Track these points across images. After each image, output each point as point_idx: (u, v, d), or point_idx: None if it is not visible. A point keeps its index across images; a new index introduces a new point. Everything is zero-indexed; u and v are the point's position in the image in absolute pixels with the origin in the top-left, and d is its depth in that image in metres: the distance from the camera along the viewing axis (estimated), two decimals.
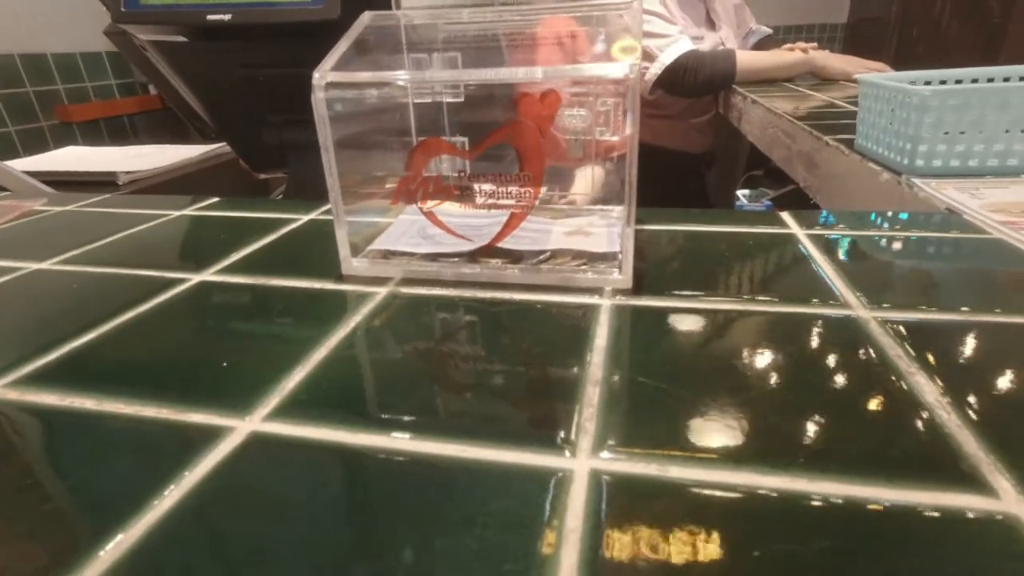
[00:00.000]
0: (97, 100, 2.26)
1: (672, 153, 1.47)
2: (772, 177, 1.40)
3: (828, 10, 3.71)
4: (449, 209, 0.34)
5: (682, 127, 1.48)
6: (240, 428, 0.22)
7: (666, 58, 1.25)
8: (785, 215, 0.42)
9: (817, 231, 0.39)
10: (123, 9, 0.56)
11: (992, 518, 0.16)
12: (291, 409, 0.23)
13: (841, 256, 0.35)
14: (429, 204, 0.32)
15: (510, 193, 0.30)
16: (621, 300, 0.30)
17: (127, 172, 0.80)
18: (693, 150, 1.52)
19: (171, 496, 0.18)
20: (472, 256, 0.33)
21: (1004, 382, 0.23)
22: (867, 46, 3.48)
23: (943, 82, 0.59)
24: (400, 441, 0.21)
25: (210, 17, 0.51)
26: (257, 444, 0.21)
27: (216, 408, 0.23)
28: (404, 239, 0.36)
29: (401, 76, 0.30)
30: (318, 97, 0.30)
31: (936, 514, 0.17)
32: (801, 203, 0.87)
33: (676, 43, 1.25)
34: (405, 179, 0.31)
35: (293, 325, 0.30)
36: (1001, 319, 0.27)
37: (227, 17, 0.50)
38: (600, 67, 0.28)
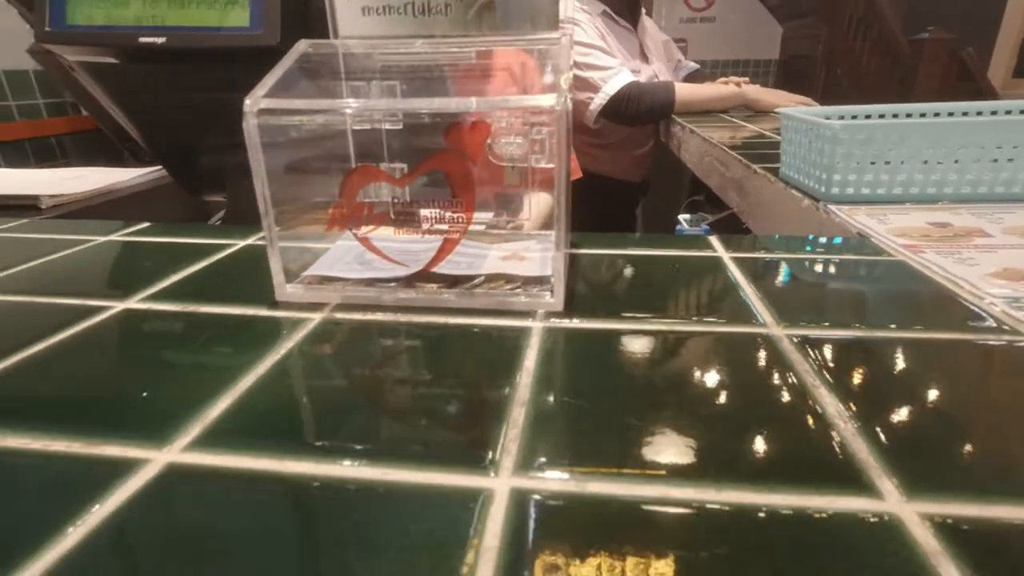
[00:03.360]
0: (23, 120, 2.14)
1: (612, 181, 1.53)
2: (711, 202, 1.47)
3: (763, 47, 3.95)
4: (386, 235, 0.34)
5: (623, 157, 1.54)
6: (157, 459, 0.21)
7: (610, 88, 1.30)
8: (713, 239, 0.45)
9: (741, 254, 0.41)
10: (48, 28, 0.54)
11: (877, 518, 0.18)
12: (213, 438, 0.22)
13: (761, 278, 0.37)
14: (364, 230, 0.32)
15: (444, 219, 0.31)
16: (553, 323, 0.31)
17: (52, 196, 0.76)
18: (631, 179, 1.59)
19: (74, 534, 0.18)
20: (408, 281, 0.34)
21: (895, 393, 0.25)
22: (798, 81, 3.73)
23: (854, 117, 0.64)
24: (323, 467, 0.21)
25: (142, 40, 0.50)
26: (174, 475, 0.20)
27: (132, 439, 0.22)
28: (340, 265, 0.36)
29: (333, 104, 0.30)
30: (250, 124, 0.30)
31: (827, 516, 0.18)
32: (737, 227, 0.91)
33: (618, 74, 1.31)
34: (338, 206, 0.31)
35: (221, 353, 0.29)
36: (897, 335, 0.29)
37: (160, 40, 0.49)
38: (529, 98, 0.29)
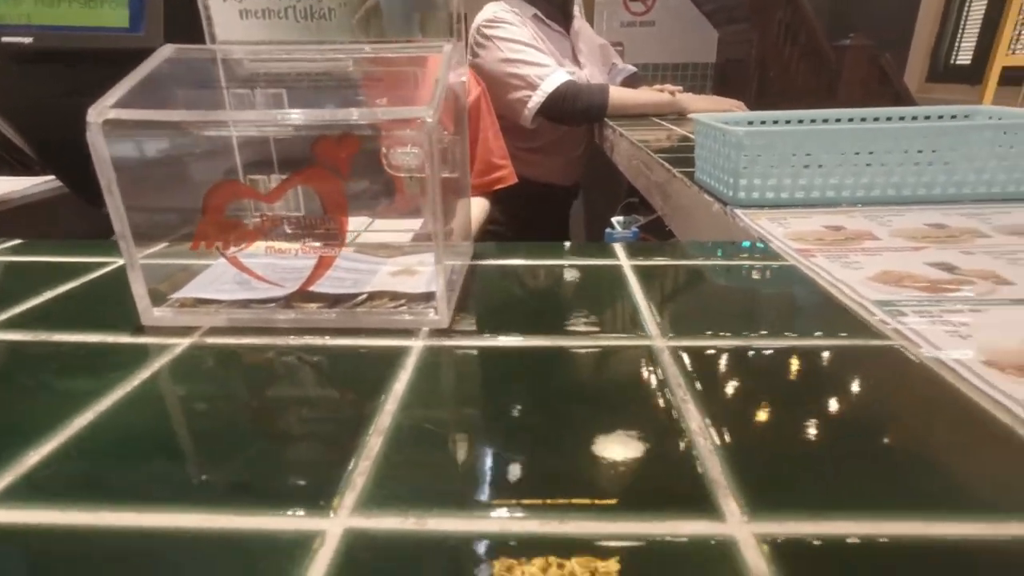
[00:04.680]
0: None
1: (545, 186, 1.53)
2: (646, 205, 1.49)
3: (701, 51, 4.06)
4: (263, 253, 0.32)
5: (556, 160, 1.55)
6: None
7: (547, 86, 1.29)
8: (618, 247, 0.45)
9: (641, 262, 0.41)
10: None
11: (715, 542, 0.17)
12: (25, 490, 0.20)
13: (658, 287, 0.37)
14: (234, 249, 0.30)
15: (315, 236, 0.29)
16: (434, 341, 0.30)
17: None
18: (565, 183, 1.60)
19: None
20: (287, 301, 0.32)
21: (759, 405, 0.25)
22: (733, 84, 3.86)
23: (775, 122, 0.66)
24: (143, 516, 0.19)
25: (6, 40, 0.45)
26: None
27: None
28: (216, 285, 0.34)
29: (186, 116, 0.28)
30: (94, 135, 0.27)
31: (671, 542, 0.17)
32: (664, 230, 0.93)
33: (555, 72, 1.31)
34: (202, 223, 0.29)
35: (64, 388, 0.27)
36: (774, 343, 0.30)
37: (27, 41, 0.45)
38: (401, 110, 0.28)
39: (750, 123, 0.65)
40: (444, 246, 0.30)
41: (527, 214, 1.38)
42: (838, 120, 0.66)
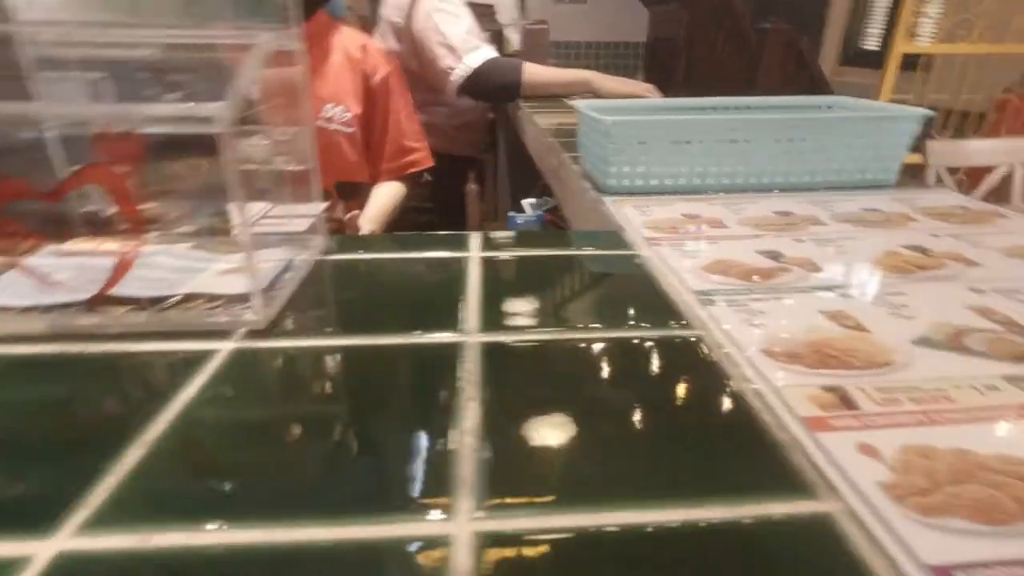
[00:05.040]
0: None
1: (466, 160, 1.53)
2: None
3: (631, 30, 4.10)
4: (65, 254, 0.30)
5: (477, 133, 1.55)
6: None
7: (471, 61, 1.25)
8: (473, 236, 0.45)
9: (490, 253, 0.42)
10: None
11: (436, 539, 0.18)
12: None
13: (497, 279, 0.38)
14: (21, 250, 0.29)
15: (117, 234, 0.28)
16: (247, 343, 0.30)
17: None
18: (473, 154, 1.60)
19: None
20: (90, 305, 0.30)
21: (544, 401, 0.26)
22: (664, 63, 3.92)
23: (643, 109, 0.67)
24: None
25: None
26: None
27: None
28: (13, 290, 0.31)
29: None
30: None
31: (398, 543, 0.18)
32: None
33: (480, 50, 1.27)
34: None
35: None
36: (585, 335, 0.31)
37: None
38: (192, 107, 0.27)
39: (628, 110, 0.66)
40: (256, 244, 0.29)
41: (451, 191, 1.38)
42: (716, 109, 0.68)
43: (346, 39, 1.03)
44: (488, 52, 1.29)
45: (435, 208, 1.35)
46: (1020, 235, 0.45)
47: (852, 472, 0.21)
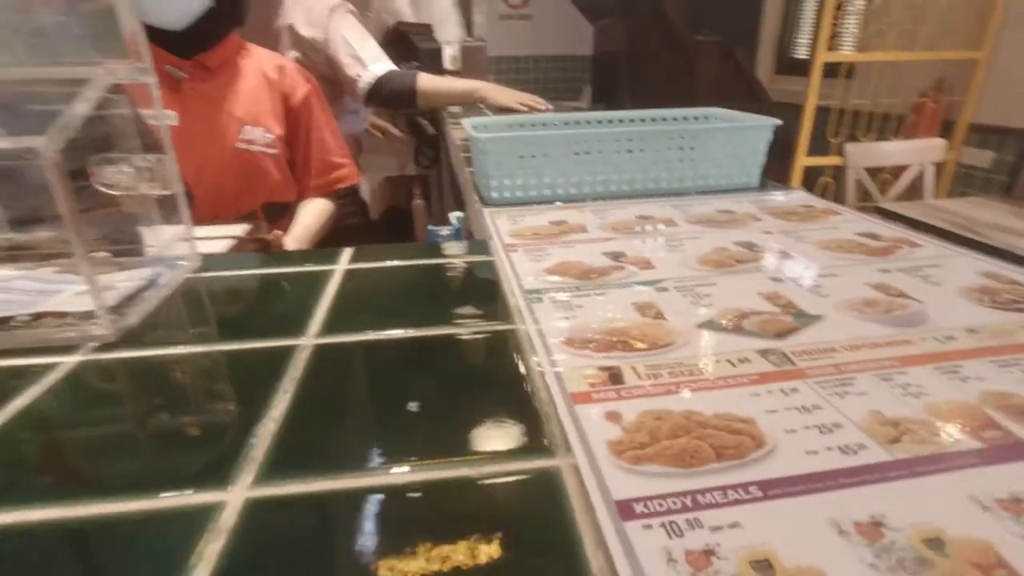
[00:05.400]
0: None
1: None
2: None
3: (577, 44, 4.21)
4: None
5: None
6: None
7: (376, 70, 1.34)
8: (346, 251, 0.48)
9: (356, 266, 0.45)
10: None
11: (215, 507, 0.21)
12: None
13: (354, 289, 0.41)
14: None
15: None
16: (91, 356, 0.32)
17: None
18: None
19: None
20: None
21: (349, 393, 0.29)
22: (609, 76, 4.04)
23: (532, 125, 0.72)
24: None
25: None
26: None
27: None
28: None
29: None
30: None
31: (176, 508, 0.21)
32: None
33: (382, 61, 1.35)
34: None
35: None
36: (414, 333, 0.34)
37: None
38: (17, 140, 0.29)
39: (507, 126, 0.70)
40: (95, 263, 0.32)
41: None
42: (601, 122, 0.73)
43: (262, 60, 1.04)
44: (389, 65, 1.36)
45: (380, 223, 1.39)
46: (840, 230, 0.51)
47: (590, 435, 0.25)
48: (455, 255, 0.48)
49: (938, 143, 1.80)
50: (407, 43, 1.96)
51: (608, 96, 3.96)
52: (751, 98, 3.63)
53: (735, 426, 0.25)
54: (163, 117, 0.40)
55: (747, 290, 0.39)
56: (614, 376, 0.29)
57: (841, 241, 0.48)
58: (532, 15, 4.05)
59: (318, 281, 0.42)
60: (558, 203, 0.61)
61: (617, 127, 0.69)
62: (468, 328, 0.35)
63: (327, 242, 1.07)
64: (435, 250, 0.49)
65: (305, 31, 1.34)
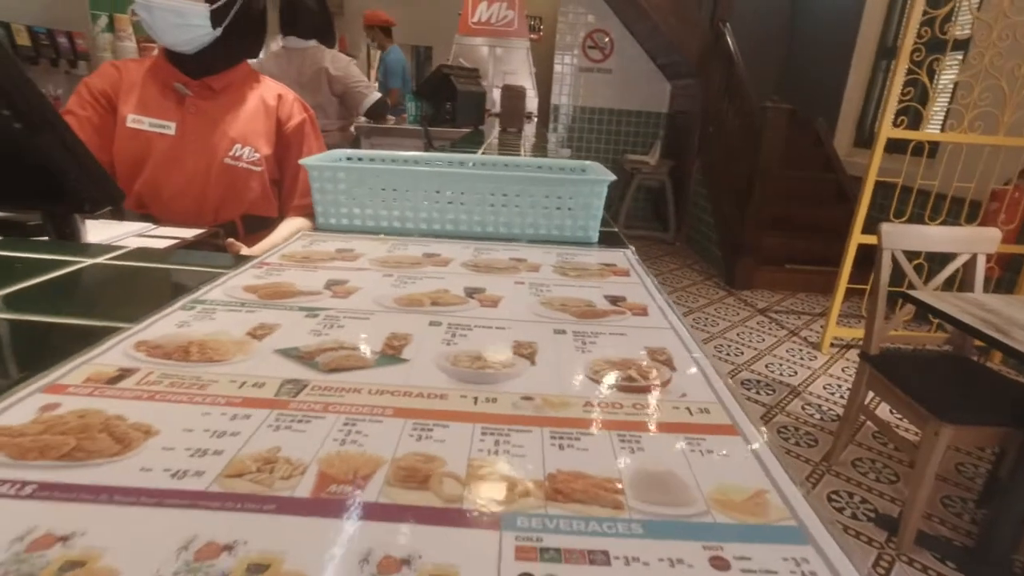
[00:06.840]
0: None
1: None
2: None
3: (654, 101, 4.21)
4: None
5: None
6: None
7: (376, 94, 2.26)
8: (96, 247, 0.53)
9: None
10: None
11: None
12: None
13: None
14: None
15: None
16: None
17: None
18: None
19: None
20: None
21: None
22: (681, 133, 4.00)
23: (359, 159, 0.75)
24: None
25: None
26: None
27: None
28: None
29: None
30: None
31: None
32: None
33: (376, 90, 2.30)
34: None
35: None
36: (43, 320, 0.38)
37: None
38: None
39: (360, 159, 0.73)
40: None
41: None
42: (451, 163, 0.75)
43: (265, 89, 1.16)
44: (379, 93, 2.29)
45: None
46: (586, 291, 0.48)
47: None
48: (198, 263, 0.51)
49: (992, 233, 1.60)
50: (447, 83, 2.16)
51: (677, 153, 3.91)
52: (827, 168, 3.43)
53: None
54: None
55: (411, 324, 0.39)
56: (124, 372, 0.31)
57: (567, 299, 0.46)
58: (612, 69, 4.13)
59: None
60: (382, 234, 0.62)
61: (434, 167, 0.68)
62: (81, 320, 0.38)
63: None
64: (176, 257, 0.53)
65: (334, 71, 2.15)
